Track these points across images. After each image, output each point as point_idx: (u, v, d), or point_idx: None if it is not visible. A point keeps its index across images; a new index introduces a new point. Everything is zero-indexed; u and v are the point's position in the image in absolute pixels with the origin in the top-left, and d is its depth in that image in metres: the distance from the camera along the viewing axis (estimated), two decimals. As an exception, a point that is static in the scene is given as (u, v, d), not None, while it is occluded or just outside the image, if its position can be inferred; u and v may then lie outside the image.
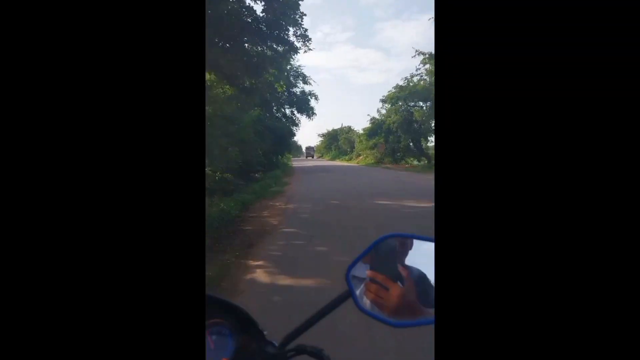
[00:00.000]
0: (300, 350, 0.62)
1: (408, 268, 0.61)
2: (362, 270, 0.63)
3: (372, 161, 28.95)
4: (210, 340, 0.67)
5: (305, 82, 20.46)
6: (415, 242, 0.63)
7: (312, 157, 56.31)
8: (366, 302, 0.61)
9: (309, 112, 21.74)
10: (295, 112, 21.53)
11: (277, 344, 0.65)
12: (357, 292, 0.62)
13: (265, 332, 0.67)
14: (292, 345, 0.63)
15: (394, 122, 25.89)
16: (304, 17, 7.40)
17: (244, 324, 0.67)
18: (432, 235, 0.56)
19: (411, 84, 24.64)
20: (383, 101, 27.66)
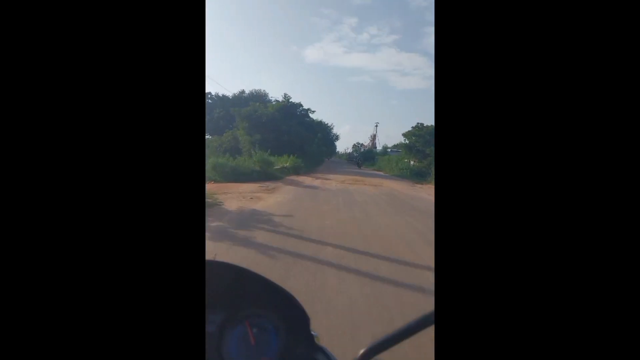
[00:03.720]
0: None
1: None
2: None
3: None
4: (251, 335, 0.60)
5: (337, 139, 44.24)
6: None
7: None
8: None
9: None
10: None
11: (330, 353, 0.56)
12: None
13: (315, 335, 0.58)
14: None
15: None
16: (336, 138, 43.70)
17: (291, 321, 0.59)
18: None
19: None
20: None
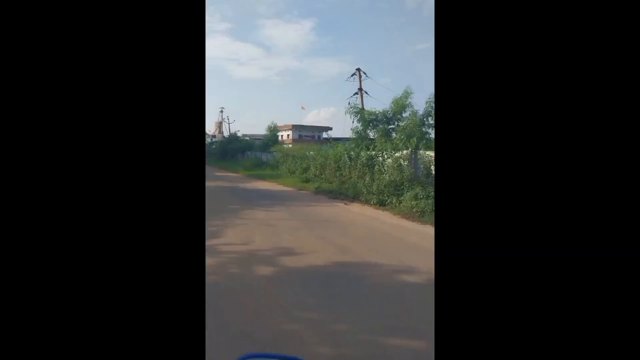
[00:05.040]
0: None
1: None
2: None
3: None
4: None
5: None
6: None
7: None
8: None
9: None
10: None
11: None
12: None
13: None
14: None
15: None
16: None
17: None
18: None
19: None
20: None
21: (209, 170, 18.03)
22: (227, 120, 38.96)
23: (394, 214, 7.34)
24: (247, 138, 31.19)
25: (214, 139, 40.32)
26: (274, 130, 27.40)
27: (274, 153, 21.00)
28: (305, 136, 30.27)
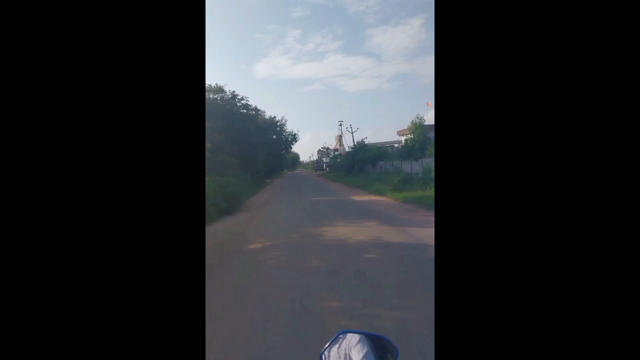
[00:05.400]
0: None
1: None
2: None
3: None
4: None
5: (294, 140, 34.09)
6: (366, 337, 0.67)
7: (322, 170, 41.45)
8: None
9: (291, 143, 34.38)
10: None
11: None
12: None
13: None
14: None
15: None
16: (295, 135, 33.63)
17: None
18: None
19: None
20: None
21: (342, 191, 13.87)
22: (350, 130, 33.53)
23: None
24: (379, 146, 26.66)
25: (335, 152, 39.12)
26: (418, 128, 18.08)
27: (425, 161, 13.97)
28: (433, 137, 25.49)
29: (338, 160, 32.59)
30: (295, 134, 33.71)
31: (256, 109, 23.69)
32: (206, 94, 16.78)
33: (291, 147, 36.02)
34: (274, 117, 30.12)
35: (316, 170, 43.15)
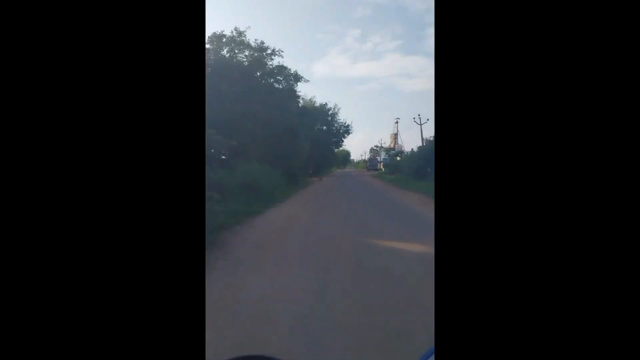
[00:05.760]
0: None
1: None
2: None
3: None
4: None
5: (347, 132, 29.21)
6: None
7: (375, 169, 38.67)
8: None
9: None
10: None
11: None
12: None
13: None
14: None
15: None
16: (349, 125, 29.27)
17: None
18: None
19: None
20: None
21: (412, 198, 9.88)
22: (418, 121, 23.38)
23: None
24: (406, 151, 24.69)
25: (391, 152, 35.51)
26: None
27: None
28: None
29: (398, 159, 26.33)
30: (348, 125, 28.82)
31: (296, 75, 15.37)
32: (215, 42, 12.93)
33: (343, 141, 30.62)
34: (325, 103, 26.23)
35: (368, 169, 40.15)
